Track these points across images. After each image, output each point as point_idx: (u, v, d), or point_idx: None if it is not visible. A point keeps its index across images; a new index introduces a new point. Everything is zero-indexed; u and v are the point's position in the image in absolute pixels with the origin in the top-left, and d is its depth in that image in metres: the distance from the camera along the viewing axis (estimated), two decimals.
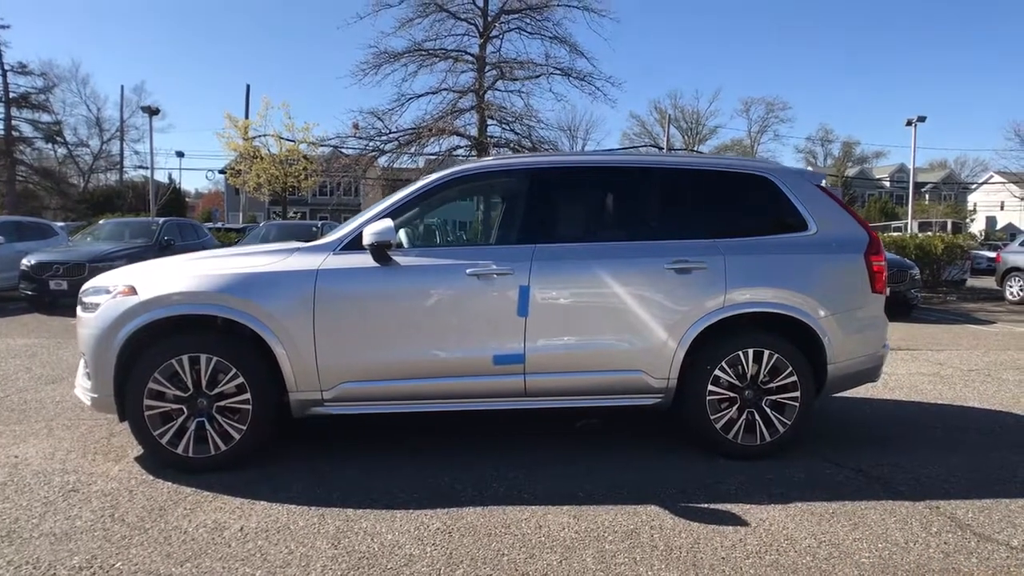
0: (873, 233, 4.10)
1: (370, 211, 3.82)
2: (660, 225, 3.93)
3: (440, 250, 3.81)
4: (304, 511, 3.01)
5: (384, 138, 17.08)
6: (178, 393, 3.44)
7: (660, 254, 3.73)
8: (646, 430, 4.35)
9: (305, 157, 23.40)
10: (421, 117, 17.27)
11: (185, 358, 3.42)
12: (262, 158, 23.77)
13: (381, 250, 3.53)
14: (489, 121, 17.79)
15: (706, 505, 3.14)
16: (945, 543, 2.79)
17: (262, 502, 3.10)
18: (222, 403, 3.47)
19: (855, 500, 3.22)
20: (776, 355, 3.75)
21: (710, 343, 3.74)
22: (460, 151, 17.74)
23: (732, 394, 3.76)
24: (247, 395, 3.46)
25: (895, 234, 18.65)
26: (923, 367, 6.77)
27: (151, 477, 3.39)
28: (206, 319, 3.53)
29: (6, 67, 31.22)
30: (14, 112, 31.32)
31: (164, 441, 3.43)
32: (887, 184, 59.07)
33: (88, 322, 3.53)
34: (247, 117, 27.21)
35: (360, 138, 17.27)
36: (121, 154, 34.21)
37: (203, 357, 3.43)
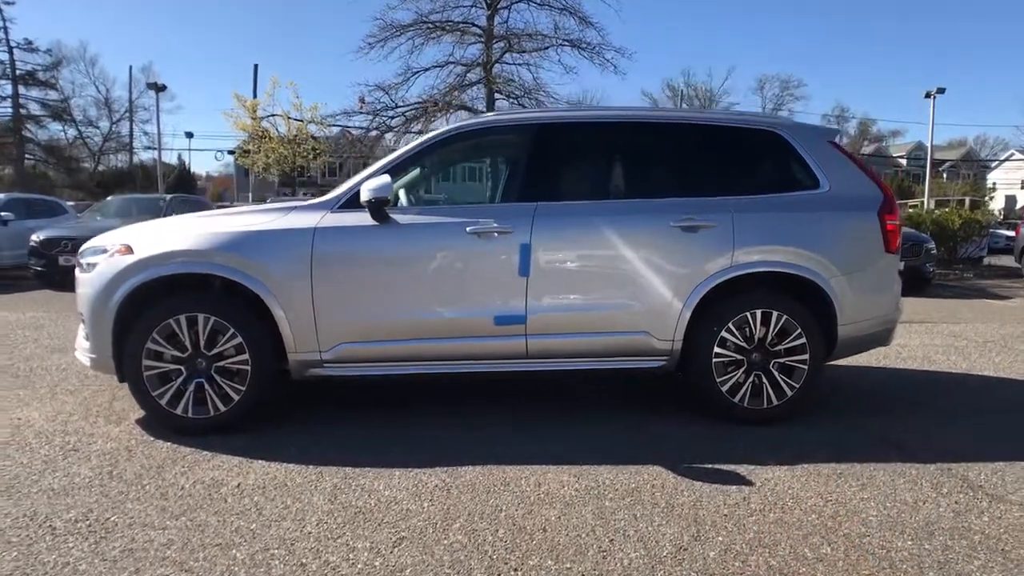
0: (888, 191, 3.97)
1: (370, 168, 3.74)
2: (667, 182, 3.82)
3: (441, 208, 3.74)
4: (301, 469, 2.99)
5: (390, 113, 16.94)
6: (176, 354, 3.40)
7: (666, 212, 3.63)
8: (652, 393, 4.28)
9: (314, 137, 23.30)
10: (428, 92, 17.12)
11: (183, 318, 3.38)
12: (271, 138, 23.70)
13: (379, 207, 3.46)
14: (497, 95, 17.58)
15: (709, 465, 3.07)
16: (956, 503, 2.71)
17: (260, 461, 3.08)
18: (221, 364, 3.43)
19: (864, 462, 3.14)
20: (785, 316, 3.66)
21: (717, 304, 3.65)
22: None
23: (739, 356, 3.67)
24: (245, 355, 3.42)
25: (911, 211, 18.31)
26: (937, 339, 6.64)
27: (150, 438, 3.37)
28: (204, 278, 3.48)
29: (12, 44, 31.35)
30: (21, 90, 31.44)
31: (163, 402, 3.40)
32: (904, 163, 58.07)
33: (86, 282, 3.50)
34: (255, 97, 27.14)
35: (366, 113, 17.13)
36: (131, 135, 34.32)
37: (201, 317, 3.39)
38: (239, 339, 3.41)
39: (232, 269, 3.40)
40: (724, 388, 3.67)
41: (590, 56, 18.04)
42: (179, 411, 3.42)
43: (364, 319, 3.49)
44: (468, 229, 3.50)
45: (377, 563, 2.16)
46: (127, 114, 36.11)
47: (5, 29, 31.25)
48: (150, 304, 3.42)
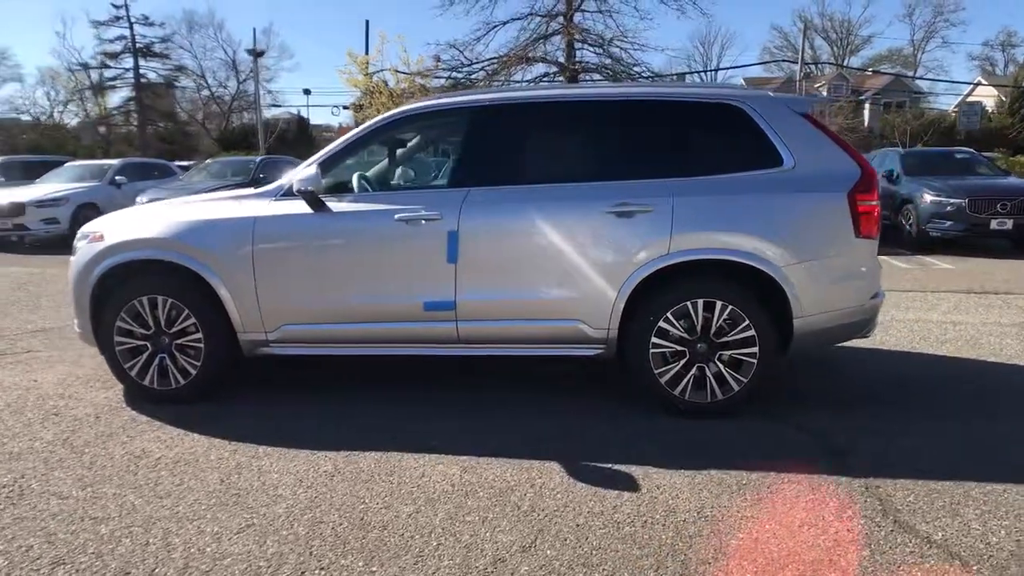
0: (868, 168, 3.51)
1: (312, 157, 3.84)
2: (609, 165, 3.60)
3: (376, 195, 3.76)
4: (224, 445, 3.24)
5: (467, 69, 16.88)
6: (142, 331, 3.76)
7: (601, 197, 3.45)
8: (603, 382, 4.16)
9: (426, 89, 23.75)
10: (506, 46, 16.81)
11: (145, 299, 3.71)
12: (381, 92, 24.42)
13: (312, 196, 3.57)
14: (579, 46, 16.94)
15: (608, 466, 2.98)
16: (849, 529, 2.47)
17: (195, 434, 3.37)
18: (180, 341, 3.75)
19: (782, 471, 2.90)
20: (731, 306, 3.40)
21: (655, 292, 3.46)
22: (547, 79, 17.12)
23: (680, 347, 3.48)
24: (199, 334, 3.72)
25: None
26: (1005, 316, 5.84)
27: (123, 405, 3.78)
28: (166, 263, 3.78)
29: (132, 20, 34.57)
30: (141, 61, 34.77)
31: (133, 374, 3.79)
32: None
33: (72, 263, 3.92)
34: (367, 53, 27.89)
35: (442, 70, 17.17)
36: (257, 94, 36.56)
37: (159, 299, 3.70)
38: (192, 319, 3.71)
39: (183, 256, 3.66)
40: (663, 379, 3.50)
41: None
42: (147, 382, 3.80)
43: (303, 303, 3.66)
44: (396, 216, 3.53)
45: (209, 549, 2.35)
46: (252, 74, 38.64)
47: (126, 7, 34.46)
48: (120, 285, 3.79)
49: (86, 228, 4.03)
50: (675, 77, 36.22)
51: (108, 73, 36.33)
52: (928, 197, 10.26)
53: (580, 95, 3.90)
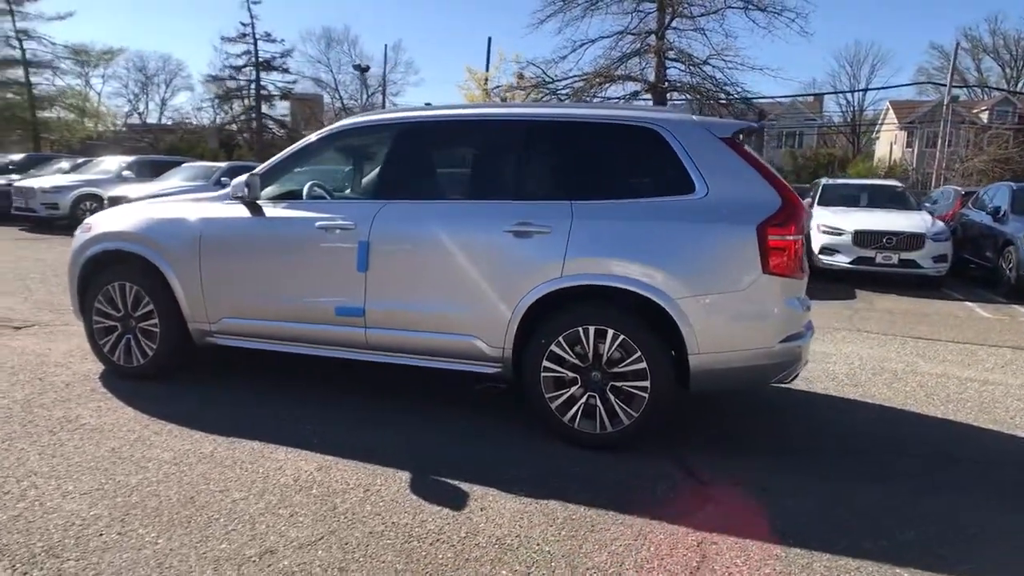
0: (791, 200, 3.27)
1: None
2: (518, 185, 3.62)
3: (307, 203, 3.99)
4: (143, 420, 3.59)
5: (551, 87, 17.01)
6: (113, 313, 4.26)
7: (502, 216, 3.47)
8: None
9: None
10: (591, 64, 16.79)
11: (116, 285, 4.21)
12: None
13: (250, 201, 3.90)
14: (669, 64, 16.55)
15: (458, 484, 2.99)
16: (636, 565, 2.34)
17: (131, 409, 3.75)
18: (142, 325, 4.21)
19: (626, 513, 2.78)
20: (622, 336, 3.29)
21: (551, 315, 3.43)
22: (634, 98, 16.88)
23: (573, 374, 3.41)
24: (156, 319, 4.15)
25: None
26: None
27: (95, 377, 4.28)
28: (133, 254, 4.25)
29: (257, 36, 38.25)
30: (262, 75, 38.49)
31: (105, 350, 4.30)
32: None
33: (69, 250, 4.52)
34: (487, 69, 29.00)
35: (523, 88, 17.41)
36: (384, 106, 39.17)
37: (127, 285, 4.18)
38: (151, 306, 4.15)
39: (146, 248, 4.11)
40: (554, 405, 3.45)
41: (768, 19, 16.02)
42: (115, 359, 4.28)
43: (235, 297, 3.98)
44: (316, 224, 3.76)
45: (49, 504, 2.65)
46: (380, 88, 41.43)
47: (252, 25, 38.25)
48: (101, 272, 4.31)
49: (85, 220, 4.62)
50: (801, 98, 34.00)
51: (231, 84, 40.37)
52: None
53: (493, 115, 3.94)
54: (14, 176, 15.54)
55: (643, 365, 3.28)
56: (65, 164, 16.64)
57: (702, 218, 3.26)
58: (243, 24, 39.13)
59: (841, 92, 50.99)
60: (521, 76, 18.02)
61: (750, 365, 3.30)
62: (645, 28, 16.64)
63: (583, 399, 3.39)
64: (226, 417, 3.70)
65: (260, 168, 4.05)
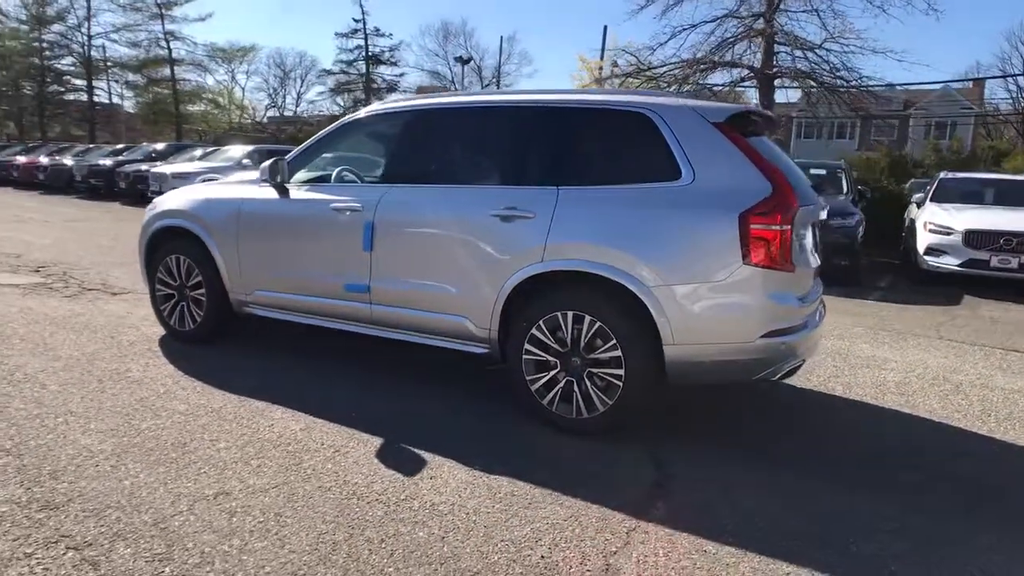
0: (783, 189, 3.12)
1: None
2: (511, 170, 3.70)
3: (326, 186, 4.26)
4: (179, 377, 4.03)
5: (647, 73, 16.51)
6: (171, 282, 4.79)
7: (490, 201, 3.57)
8: None
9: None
10: (690, 50, 16.12)
11: (173, 258, 4.73)
12: None
13: (278, 184, 4.25)
14: (777, 49, 15.55)
15: (428, 455, 3.13)
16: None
17: (172, 367, 4.22)
18: (193, 294, 4.71)
19: (569, 495, 2.81)
20: (598, 323, 3.30)
21: (533, 299, 3.49)
22: (740, 85, 16.06)
23: (553, 358, 3.45)
24: (203, 289, 4.63)
25: None
26: None
27: (155, 337, 4.84)
28: (186, 230, 4.74)
29: (368, 31, 39.98)
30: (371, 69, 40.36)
31: (164, 315, 4.85)
32: None
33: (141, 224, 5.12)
34: (601, 58, 28.76)
35: (617, 76, 17.00)
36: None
37: (181, 258, 4.69)
38: (200, 277, 4.63)
39: (195, 225, 4.59)
40: (534, 387, 3.52)
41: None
42: (172, 323, 4.82)
43: (266, 272, 4.36)
44: (331, 206, 4.04)
45: (71, 437, 3.08)
46: (494, 79, 42.25)
47: (363, 21, 40.03)
48: (162, 245, 4.85)
49: (153, 200, 5.21)
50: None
51: (342, 78, 42.63)
52: None
53: (489, 101, 4.00)
54: (157, 163, 17.50)
55: (617, 353, 3.27)
56: (198, 152, 18.49)
57: (684, 205, 3.19)
58: (355, 20, 41.37)
59: (1009, 76, 45.28)
60: (616, 64, 17.70)
61: (728, 359, 3.19)
62: (751, 11, 15.80)
63: (562, 383, 3.43)
64: (252, 380, 4.06)
65: (290, 155, 4.40)
